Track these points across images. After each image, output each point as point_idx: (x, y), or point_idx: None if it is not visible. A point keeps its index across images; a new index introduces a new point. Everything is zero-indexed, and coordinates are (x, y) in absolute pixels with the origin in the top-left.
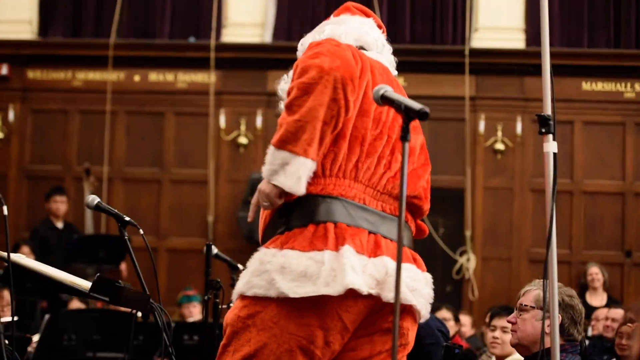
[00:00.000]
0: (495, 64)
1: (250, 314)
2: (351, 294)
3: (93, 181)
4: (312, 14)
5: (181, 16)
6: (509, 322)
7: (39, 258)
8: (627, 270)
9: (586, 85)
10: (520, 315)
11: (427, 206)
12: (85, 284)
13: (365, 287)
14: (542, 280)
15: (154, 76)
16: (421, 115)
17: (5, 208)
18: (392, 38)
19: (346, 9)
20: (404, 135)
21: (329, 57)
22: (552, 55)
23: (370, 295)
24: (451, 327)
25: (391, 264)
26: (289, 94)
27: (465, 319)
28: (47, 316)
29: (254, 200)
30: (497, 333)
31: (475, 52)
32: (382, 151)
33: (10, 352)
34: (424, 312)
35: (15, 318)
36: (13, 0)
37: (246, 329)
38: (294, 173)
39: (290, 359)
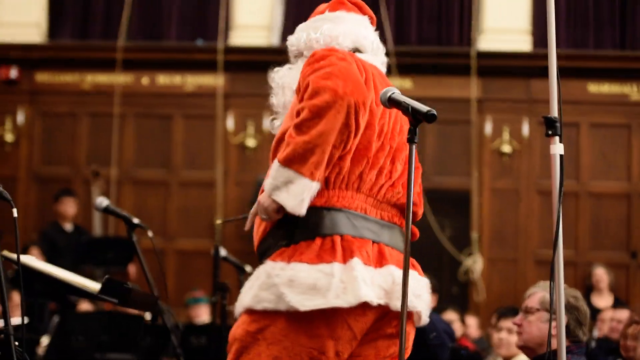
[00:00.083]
0: (501, 66)
1: (259, 328)
2: (360, 304)
3: (101, 183)
4: None
5: (189, 19)
6: (514, 324)
7: (48, 260)
8: (633, 272)
9: (592, 87)
10: (526, 317)
11: (421, 211)
12: (95, 286)
13: (375, 298)
14: (547, 282)
15: (162, 79)
16: (429, 118)
17: (15, 210)
18: (398, 40)
19: (341, 3)
20: (411, 138)
21: (342, 80)
22: (558, 57)
23: (378, 305)
24: (457, 328)
25: (397, 272)
26: (298, 113)
27: (471, 321)
28: (56, 318)
29: (253, 210)
30: (503, 334)
31: (482, 54)
32: (383, 162)
33: (21, 354)
34: (425, 317)
35: (25, 320)
36: (22, 4)
37: (256, 343)
38: (298, 194)
39: None
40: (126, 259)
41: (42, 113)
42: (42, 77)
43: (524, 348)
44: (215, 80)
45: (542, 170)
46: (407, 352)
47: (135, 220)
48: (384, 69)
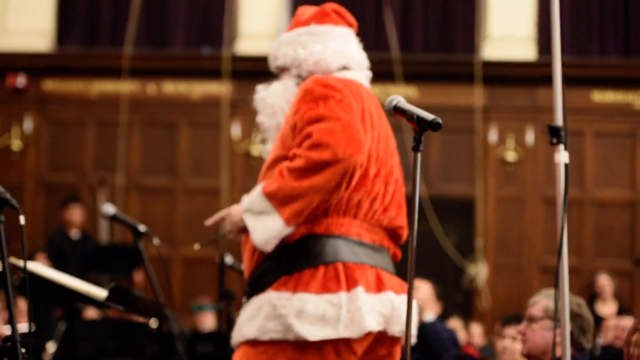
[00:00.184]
0: (506, 74)
1: (268, 359)
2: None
3: (108, 191)
4: None
5: (195, 27)
6: (518, 332)
7: (54, 267)
8: (637, 280)
9: (596, 96)
10: (530, 325)
11: (406, 233)
12: (101, 293)
13: (376, 326)
14: (550, 290)
15: (169, 87)
16: (434, 126)
17: (22, 217)
18: (404, 48)
19: (326, 15)
20: (417, 146)
21: (344, 139)
22: (563, 65)
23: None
24: (461, 336)
25: (395, 298)
26: (294, 157)
27: (475, 328)
28: (62, 324)
29: (222, 213)
30: (507, 342)
31: (487, 62)
32: (378, 187)
33: None
34: (414, 339)
35: (32, 326)
36: (29, 12)
37: None
38: (267, 231)
39: None
40: (132, 266)
41: (49, 121)
42: (49, 85)
43: (528, 356)
44: (221, 88)
45: (547, 178)
46: None
47: (142, 228)
48: (368, 84)
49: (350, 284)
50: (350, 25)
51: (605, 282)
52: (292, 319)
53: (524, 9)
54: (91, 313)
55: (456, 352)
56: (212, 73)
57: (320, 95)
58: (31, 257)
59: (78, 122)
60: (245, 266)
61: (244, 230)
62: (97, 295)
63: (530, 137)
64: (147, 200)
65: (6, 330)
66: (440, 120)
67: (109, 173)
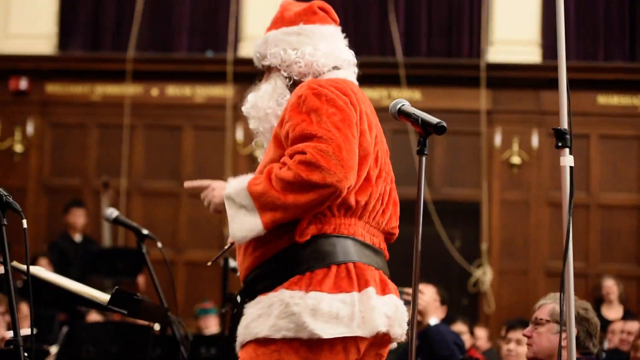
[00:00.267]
0: (511, 77)
1: (280, 358)
2: None
3: (111, 194)
4: None
5: (199, 30)
6: (524, 335)
7: (57, 271)
8: None
9: (602, 99)
10: (536, 329)
11: (397, 232)
12: (104, 297)
13: (384, 327)
14: (557, 293)
15: (172, 90)
16: (438, 130)
17: (25, 221)
18: (408, 51)
19: (314, 13)
20: (421, 149)
21: (336, 164)
22: (568, 69)
23: None
24: (466, 340)
25: (398, 301)
26: (283, 165)
27: (481, 332)
28: (65, 328)
29: (204, 183)
30: (512, 345)
31: (492, 66)
32: (380, 188)
33: None
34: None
35: (34, 330)
36: (32, 15)
37: None
38: (245, 227)
39: None
40: (135, 270)
41: (52, 124)
42: (52, 88)
43: None
44: (224, 92)
45: (552, 182)
46: None
47: (145, 231)
48: (356, 82)
49: (362, 285)
50: (336, 22)
51: (611, 286)
52: (306, 317)
53: (528, 13)
54: (94, 316)
55: (461, 356)
56: (215, 76)
57: (313, 107)
58: (33, 261)
59: (81, 126)
60: (240, 265)
61: (218, 211)
62: (100, 299)
63: (535, 140)
64: (151, 203)
65: (9, 334)
66: (445, 124)
67: (112, 176)
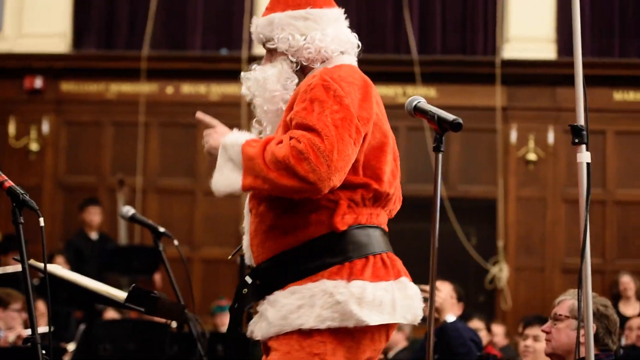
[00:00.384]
0: (526, 74)
1: (326, 348)
2: None
3: (126, 192)
4: None
5: (213, 28)
6: (543, 331)
7: (73, 268)
8: None
9: (617, 95)
10: (555, 324)
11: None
12: (121, 295)
13: (421, 314)
14: (576, 290)
15: (187, 88)
16: (454, 127)
17: (42, 219)
18: (423, 49)
19: None
20: (437, 146)
21: (326, 165)
22: (584, 65)
23: None
24: (483, 337)
25: (415, 289)
26: (280, 142)
27: (498, 329)
28: (82, 326)
29: (213, 123)
30: (529, 341)
31: (507, 63)
32: (396, 176)
33: None
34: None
35: (52, 328)
36: (47, 14)
37: None
38: (227, 184)
39: None
40: (151, 268)
41: (67, 122)
42: (67, 87)
43: (552, 355)
44: (239, 90)
45: (568, 178)
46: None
47: (161, 229)
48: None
49: (396, 274)
50: (337, 4)
51: (628, 282)
52: (352, 306)
53: (543, 9)
54: (111, 313)
55: (478, 353)
56: (230, 74)
57: (318, 99)
58: (50, 259)
59: (96, 124)
60: (256, 247)
61: (211, 153)
62: (117, 297)
63: (550, 137)
64: (166, 201)
65: (26, 332)
66: (461, 121)
67: (128, 174)
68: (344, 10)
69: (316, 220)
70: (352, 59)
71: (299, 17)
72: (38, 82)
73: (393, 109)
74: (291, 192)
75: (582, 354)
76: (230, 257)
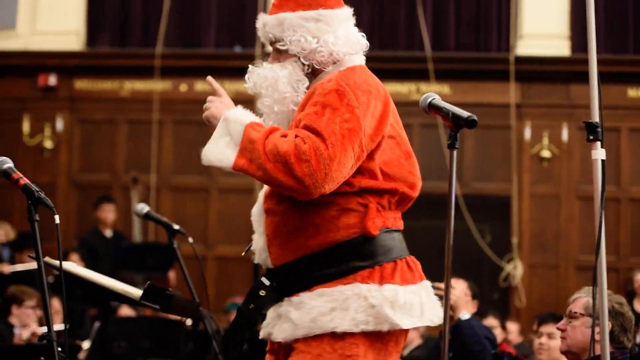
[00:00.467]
0: (540, 71)
1: (358, 350)
2: None
3: (140, 190)
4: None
5: (226, 26)
6: (558, 329)
7: (87, 266)
8: None
9: (632, 92)
10: (570, 322)
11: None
12: (136, 292)
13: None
14: (591, 287)
15: (200, 85)
16: (469, 123)
17: (57, 217)
18: (436, 46)
19: None
20: (452, 143)
21: (323, 173)
22: (598, 62)
23: None
24: (497, 334)
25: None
26: (284, 135)
27: (512, 327)
28: (97, 324)
29: (221, 92)
30: (544, 339)
31: (521, 60)
32: None
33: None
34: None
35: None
36: (60, 12)
37: None
38: (218, 154)
39: None
40: (165, 265)
41: (81, 120)
42: (81, 85)
43: (567, 353)
44: None
45: (582, 176)
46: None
47: (176, 227)
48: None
49: (420, 276)
50: (350, 1)
51: None
52: (387, 309)
53: (557, 6)
54: (125, 311)
55: (493, 350)
56: (244, 72)
57: (331, 104)
58: (65, 257)
59: (110, 121)
60: (275, 248)
61: (209, 121)
62: (133, 294)
63: (565, 134)
64: (180, 199)
65: (42, 329)
66: (475, 118)
67: (141, 172)
68: (357, 7)
69: (345, 224)
70: (361, 59)
71: (310, 19)
72: (52, 80)
73: (406, 106)
74: (281, 188)
75: (597, 352)
76: (243, 253)
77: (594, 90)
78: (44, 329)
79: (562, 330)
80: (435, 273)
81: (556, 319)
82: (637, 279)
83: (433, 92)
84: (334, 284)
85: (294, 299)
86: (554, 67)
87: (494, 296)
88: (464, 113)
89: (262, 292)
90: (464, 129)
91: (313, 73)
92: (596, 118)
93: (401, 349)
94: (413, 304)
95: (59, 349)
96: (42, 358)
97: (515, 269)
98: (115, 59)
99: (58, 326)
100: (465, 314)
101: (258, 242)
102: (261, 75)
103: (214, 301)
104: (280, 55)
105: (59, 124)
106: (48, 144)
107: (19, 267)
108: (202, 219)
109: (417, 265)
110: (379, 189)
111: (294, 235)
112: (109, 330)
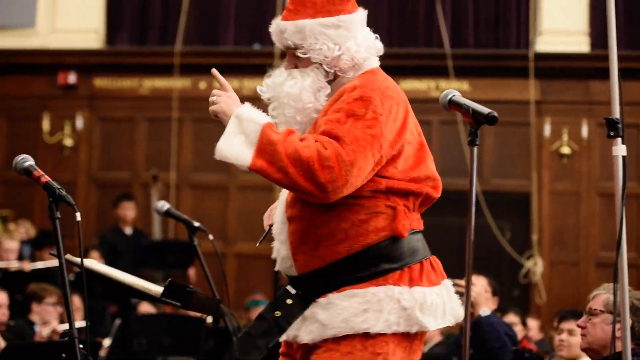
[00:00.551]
0: (560, 67)
1: (388, 350)
2: None
3: (160, 187)
4: (374, 22)
5: (246, 24)
6: (578, 326)
7: (107, 264)
8: None
9: None
10: (590, 319)
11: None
12: (157, 289)
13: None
14: (611, 284)
15: None
16: (489, 120)
17: (78, 214)
18: (455, 43)
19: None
20: (472, 140)
21: (344, 179)
22: (618, 58)
23: None
24: (518, 331)
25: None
26: (304, 139)
27: (532, 323)
28: (117, 321)
29: (226, 86)
30: (564, 336)
31: (540, 56)
32: None
33: (85, 357)
34: None
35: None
36: (80, 10)
37: None
38: (232, 150)
39: None
40: (186, 262)
41: (101, 118)
42: (101, 83)
43: (588, 350)
44: None
45: (602, 172)
46: None
47: (196, 224)
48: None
49: (441, 277)
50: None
51: None
52: (417, 312)
53: (576, 2)
54: (146, 307)
55: (513, 347)
56: (263, 69)
57: (354, 111)
58: (85, 254)
59: (129, 119)
60: (301, 261)
61: (216, 116)
62: (153, 291)
63: (584, 130)
64: (200, 197)
65: (62, 326)
66: (496, 114)
67: (161, 170)
68: (376, 5)
69: (375, 227)
70: (377, 62)
71: (330, 25)
72: (72, 78)
73: (426, 102)
74: (300, 192)
75: (618, 349)
76: (258, 244)
77: (614, 86)
78: (64, 326)
79: (582, 328)
80: (455, 270)
81: (576, 315)
82: None
83: (453, 89)
84: (365, 285)
85: (321, 300)
86: (573, 64)
87: (514, 293)
88: (485, 109)
89: (289, 301)
90: (484, 126)
91: (334, 79)
92: (617, 114)
93: (423, 346)
94: (438, 305)
95: (81, 346)
96: (64, 355)
97: (536, 266)
98: (134, 57)
99: (79, 323)
100: (485, 310)
101: (280, 250)
102: (284, 90)
103: (234, 298)
104: (300, 61)
105: (79, 122)
106: (68, 142)
107: (40, 264)
108: (222, 216)
109: (438, 264)
110: (406, 191)
111: (322, 241)
112: (130, 328)
